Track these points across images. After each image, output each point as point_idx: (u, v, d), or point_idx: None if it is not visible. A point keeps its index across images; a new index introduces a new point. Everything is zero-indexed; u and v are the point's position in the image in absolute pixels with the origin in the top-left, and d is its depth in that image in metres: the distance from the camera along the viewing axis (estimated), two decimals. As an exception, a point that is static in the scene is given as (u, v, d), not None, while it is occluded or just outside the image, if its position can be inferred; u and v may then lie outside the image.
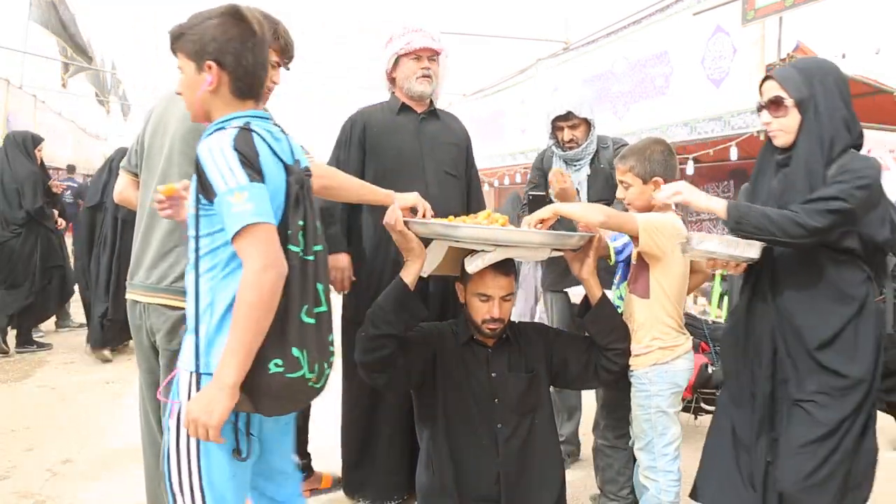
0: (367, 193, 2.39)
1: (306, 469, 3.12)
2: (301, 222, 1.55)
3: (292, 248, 1.53)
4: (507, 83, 11.26)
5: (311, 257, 1.57)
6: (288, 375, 1.49)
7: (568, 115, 3.09)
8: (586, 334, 2.36)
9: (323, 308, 1.60)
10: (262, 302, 1.44)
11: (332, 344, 1.67)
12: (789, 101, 1.95)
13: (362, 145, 2.85)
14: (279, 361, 1.48)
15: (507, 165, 10.36)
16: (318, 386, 1.59)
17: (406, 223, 2.14)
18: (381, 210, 2.80)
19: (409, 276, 2.15)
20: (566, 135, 3.13)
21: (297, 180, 1.57)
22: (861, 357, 1.92)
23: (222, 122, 1.57)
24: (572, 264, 2.28)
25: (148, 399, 2.17)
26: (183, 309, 1.87)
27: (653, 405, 2.27)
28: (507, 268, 2.20)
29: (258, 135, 1.54)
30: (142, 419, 2.21)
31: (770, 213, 1.90)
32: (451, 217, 2.29)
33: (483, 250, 2.13)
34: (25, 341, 5.73)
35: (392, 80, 2.92)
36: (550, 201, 2.88)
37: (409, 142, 2.85)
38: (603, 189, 3.08)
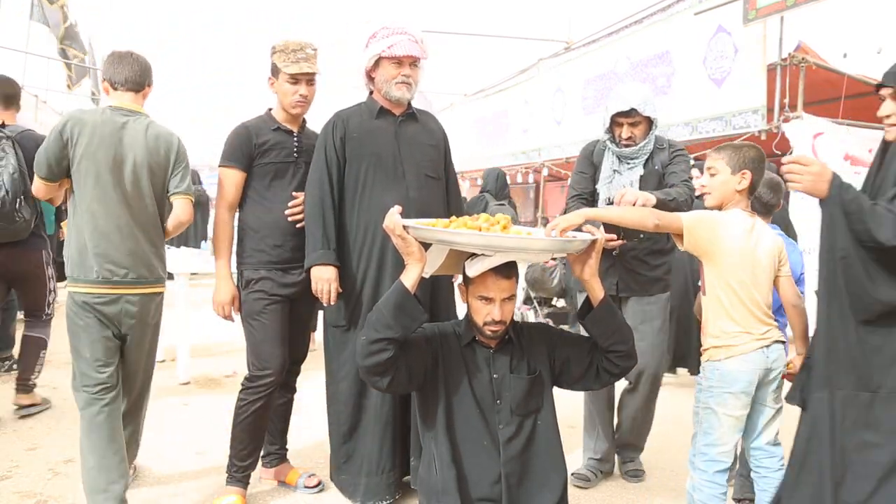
0: None
1: (279, 455, 3.11)
2: None
3: None
4: (510, 83, 11.24)
5: None
6: None
7: (630, 112, 2.96)
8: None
9: None
10: None
11: None
12: None
13: (343, 149, 2.79)
14: None
15: (509, 165, 10.34)
16: None
17: (406, 228, 2.13)
18: (367, 212, 2.77)
19: (409, 279, 2.14)
20: (625, 132, 3.01)
21: None
22: None
23: None
24: (574, 266, 2.27)
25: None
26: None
27: (702, 400, 2.33)
28: (508, 270, 2.20)
29: None
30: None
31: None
32: (453, 219, 2.28)
33: (484, 254, 2.13)
34: None
35: (370, 79, 2.85)
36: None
37: (389, 145, 2.80)
38: (654, 191, 2.99)
